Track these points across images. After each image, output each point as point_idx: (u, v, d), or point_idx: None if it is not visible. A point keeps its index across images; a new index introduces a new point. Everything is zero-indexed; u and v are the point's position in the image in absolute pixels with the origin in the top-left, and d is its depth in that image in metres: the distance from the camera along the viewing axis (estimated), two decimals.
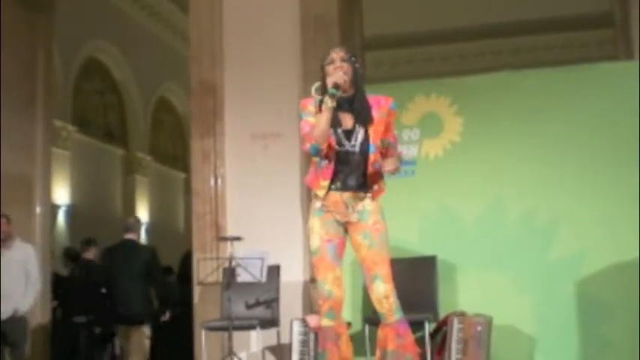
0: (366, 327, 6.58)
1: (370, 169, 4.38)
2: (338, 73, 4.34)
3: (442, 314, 6.59)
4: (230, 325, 6.63)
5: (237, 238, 6.93)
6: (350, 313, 6.98)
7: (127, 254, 8.56)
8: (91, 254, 9.47)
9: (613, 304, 6.58)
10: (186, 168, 15.50)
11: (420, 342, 6.39)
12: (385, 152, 4.36)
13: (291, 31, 7.85)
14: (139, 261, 8.52)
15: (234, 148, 7.83)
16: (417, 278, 6.77)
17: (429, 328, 6.36)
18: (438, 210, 6.95)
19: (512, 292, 6.73)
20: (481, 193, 6.88)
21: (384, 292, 4.36)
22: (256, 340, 6.85)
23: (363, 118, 4.38)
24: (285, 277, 7.23)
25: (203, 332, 6.91)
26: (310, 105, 4.46)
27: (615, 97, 6.85)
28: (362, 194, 4.41)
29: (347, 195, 4.38)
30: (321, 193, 4.38)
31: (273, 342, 7.09)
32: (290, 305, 7.26)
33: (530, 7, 10.34)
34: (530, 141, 6.91)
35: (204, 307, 7.52)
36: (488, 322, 6.39)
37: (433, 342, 6.38)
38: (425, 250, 6.89)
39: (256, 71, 7.84)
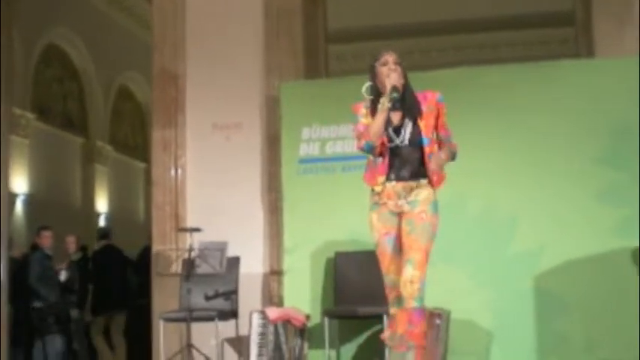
0: (325, 320, 6.59)
1: (427, 160, 4.56)
2: (394, 75, 4.53)
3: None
4: (188, 316, 6.61)
5: (197, 229, 6.91)
6: (309, 305, 6.99)
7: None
8: (46, 241, 9.33)
9: (569, 300, 6.66)
10: (146, 158, 15.40)
11: (378, 335, 6.43)
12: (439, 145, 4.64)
13: (255, 23, 7.82)
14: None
15: (195, 138, 7.80)
16: (377, 271, 6.73)
17: (388, 321, 6.37)
18: None
19: (470, 286, 6.77)
20: (442, 187, 6.89)
21: (410, 276, 4.46)
22: (215, 331, 6.82)
23: (414, 113, 4.57)
24: (244, 268, 7.22)
25: (161, 323, 6.87)
26: (362, 108, 4.70)
27: (576, 95, 6.92)
28: (414, 184, 4.57)
29: (399, 186, 4.56)
30: (378, 188, 4.60)
31: (232, 334, 7.08)
32: (249, 297, 7.25)
33: (494, 4, 10.40)
34: (490, 137, 6.95)
35: (163, 298, 7.48)
36: (446, 316, 6.42)
37: None
38: None
39: (219, 61, 7.80)
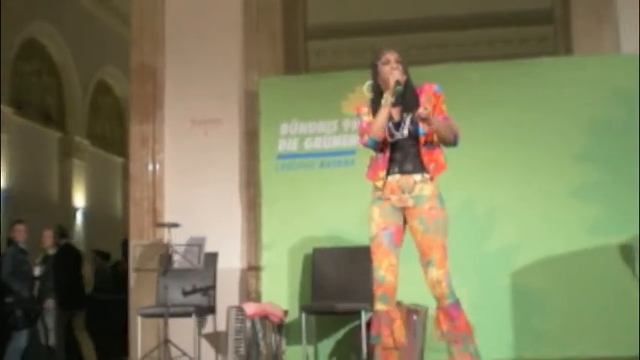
0: (303, 315, 6.58)
1: (424, 150, 4.58)
2: (396, 72, 4.54)
3: None
4: (166, 311, 6.59)
5: (175, 225, 6.89)
6: (287, 301, 6.99)
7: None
8: (20, 235, 9.25)
9: (546, 296, 6.70)
10: (124, 153, 15.32)
11: (357, 331, 6.45)
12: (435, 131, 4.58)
13: (234, 18, 7.80)
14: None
15: (173, 133, 7.77)
16: (355, 267, 6.79)
17: (365, 317, 6.38)
18: None
19: None
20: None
21: (436, 277, 4.50)
22: (192, 327, 6.81)
23: (412, 107, 4.57)
24: (222, 264, 7.20)
25: (139, 318, 6.84)
26: (364, 108, 4.72)
27: (555, 92, 6.96)
28: (418, 177, 4.56)
29: (403, 180, 4.55)
30: (380, 183, 4.58)
31: (210, 329, 7.07)
32: (227, 293, 7.24)
33: (474, 2, 10.43)
34: (470, 133, 6.92)
35: (141, 293, 7.46)
36: (424, 312, 6.44)
37: (369, 331, 6.39)
38: (363, 240, 6.85)
39: (198, 57, 7.77)
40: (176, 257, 6.70)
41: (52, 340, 8.75)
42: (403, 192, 4.55)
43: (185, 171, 7.67)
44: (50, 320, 8.70)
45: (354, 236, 6.92)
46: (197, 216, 7.37)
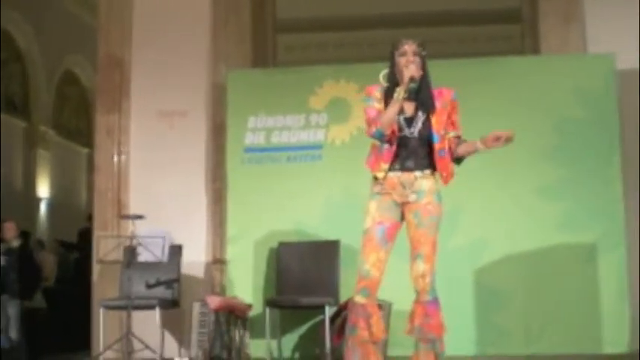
0: (267, 309, 6.58)
1: (437, 156, 4.53)
2: (412, 66, 4.47)
3: (343, 298, 6.62)
4: (129, 304, 6.55)
5: (140, 217, 6.84)
6: (251, 295, 6.98)
7: None
8: None
9: (510, 293, 6.75)
10: (90, 143, 15.17)
11: (320, 326, 6.45)
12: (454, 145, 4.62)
13: (203, 9, 7.77)
14: None
15: (139, 124, 7.72)
16: (319, 262, 6.82)
17: (329, 311, 6.39)
18: (343, 195, 6.98)
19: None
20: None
21: (422, 271, 4.48)
22: (156, 320, 6.78)
23: (427, 106, 4.53)
24: (187, 257, 7.17)
25: (101, 310, 6.80)
26: (376, 91, 4.59)
27: (521, 91, 7.01)
28: (419, 174, 4.51)
29: (404, 176, 4.50)
30: (381, 175, 4.51)
31: (173, 322, 7.03)
32: (191, 286, 7.22)
33: None
34: None
35: (104, 285, 7.41)
36: (387, 307, 6.46)
37: (333, 326, 6.42)
38: (328, 235, 6.92)
39: (165, 48, 7.72)
40: (140, 249, 6.65)
41: (12, 333, 8.64)
42: (404, 187, 4.50)
43: (151, 163, 7.62)
44: (12, 312, 8.59)
45: (320, 231, 6.94)
46: (162, 208, 7.33)
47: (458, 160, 4.71)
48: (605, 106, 6.87)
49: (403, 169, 4.51)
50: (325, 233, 6.94)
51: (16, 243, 9.26)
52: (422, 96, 4.55)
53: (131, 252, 6.70)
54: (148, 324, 6.93)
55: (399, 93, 4.40)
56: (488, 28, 10.93)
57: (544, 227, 6.76)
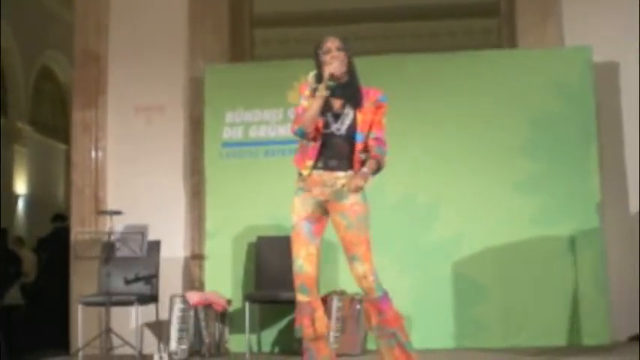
0: (246, 304, 6.58)
1: (357, 157, 4.46)
2: (334, 63, 4.41)
3: (322, 293, 6.62)
4: (107, 300, 6.53)
5: (117, 212, 6.82)
6: (230, 290, 6.97)
7: None
8: None
9: (487, 287, 6.78)
10: (67, 140, 15.10)
11: None
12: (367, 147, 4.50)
13: (180, 4, 7.74)
14: None
15: (116, 120, 7.68)
16: None
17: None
18: None
19: (391, 272, 6.79)
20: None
21: (362, 272, 4.42)
22: (135, 316, 6.75)
23: (354, 102, 4.47)
24: (165, 252, 7.15)
25: (80, 307, 6.77)
26: (307, 90, 4.54)
27: (498, 86, 7.03)
28: (341, 174, 4.44)
29: (326, 175, 4.44)
30: (305, 172, 4.46)
31: (152, 318, 7.01)
32: (170, 281, 7.19)
33: None
34: (412, 125, 7.01)
35: (82, 281, 7.37)
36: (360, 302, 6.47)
37: None
38: None
39: (142, 43, 7.69)
40: (118, 245, 6.63)
41: None
42: (325, 185, 4.45)
43: (128, 158, 7.60)
44: None
45: None
46: (140, 204, 7.31)
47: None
48: (581, 99, 6.90)
49: (326, 167, 4.46)
50: None
51: None
52: (348, 92, 4.49)
53: (109, 248, 6.68)
54: (126, 320, 6.91)
55: (320, 91, 4.37)
56: (465, 22, 10.97)
57: (521, 221, 6.78)
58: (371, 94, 4.56)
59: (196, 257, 7.39)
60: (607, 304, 6.68)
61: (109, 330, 6.60)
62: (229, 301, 6.82)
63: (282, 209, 6.96)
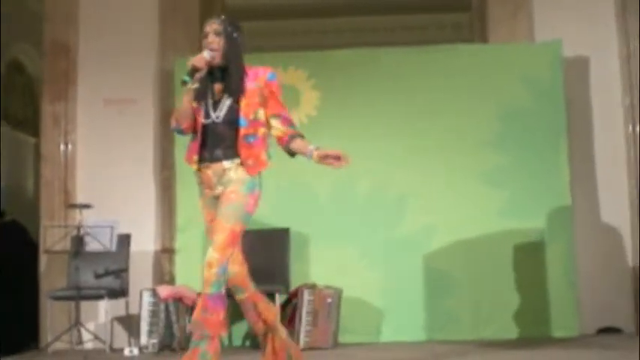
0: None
1: (242, 142, 4.13)
2: (201, 53, 4.12)
3: (293, 286, 6.64)
4: (77, 294, 6.49)
5: (87, 206, 6.77)
6: (201, 284, 6.92)
7: None
8: None
9: (457, 279, 6.82)
10: (37, 132, 14.96)
11: None
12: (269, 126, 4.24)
13: None
14: None
15: (86, 113, 7.62)
16: (269, 250, 6.80)
17: (279, 299, 6.39)
18: (292, 183, 6.97)
19: (361, 265, 6.86)
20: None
21: (209, 259, 4.05)
22: (105, 310, 6.71)
23: (232, 89, 4.15)
24: (135, 246, 7.11)
25: (49, 302, 6.72)
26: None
27: (468, 79, 7.06)
28: (227, 164, 4.15)
29: (214, 167, 4.16)
30: (194, 167, 4.22)
31: (122, 312, 6.98)
32: (140, 275, 7.16)
33: None
34: (383, 118, 7.03)
35: (51, 275, 7.32)
36: (338, 294, 6.49)
37: (284, 313, 6.42)
38: (278, 223, 6.91)
39: (113, 34, 7.62)
40: (88, 239, 6.58)
41: None
42: (216, 184, 4.17)
43: (98, 151, 7.54)
44: None
45: (269, 219, 6.92)
46: (110, 197, 7.26)
47: (291, 153, 4.33)
48: (552, 93, 6.95)
49: (212, 159, 4.16)
50: (275, 221, 6.92)
51: None
52: (228, 79, 4.17)
53: (79, 242, 6.62)
54: (96, 314, 6.86)
55: (187, 83, 4.08)
56: (438, 17, 10.99)
57: (491, 214, 6.82)
58: (260, 74, 4.24)
59: (167, 251, 7.35)
60: (576, 296, 6.74)
61: (79, 324, 6.56)
62: (200, 295, 6.79)
63: None
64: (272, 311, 4.43)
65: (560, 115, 6.95)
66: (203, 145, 4.17)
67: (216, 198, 4.20)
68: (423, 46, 7.53)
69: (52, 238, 6.79)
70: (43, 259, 7.42)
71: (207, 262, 4.07)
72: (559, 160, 6.90)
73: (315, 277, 6.77)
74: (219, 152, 4.15)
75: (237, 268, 4.29)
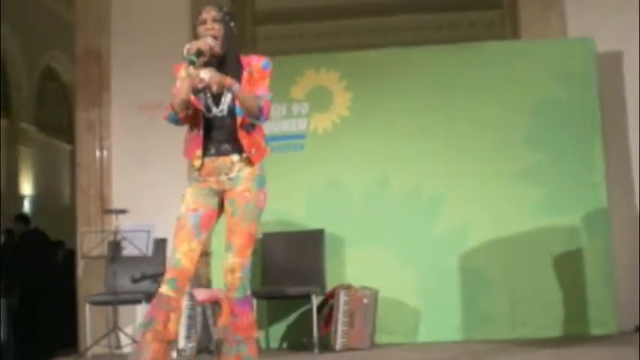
0: (254, 301, 6.53)
1: (242, 132, 4.05)
2: (204, 38, 4.03)
3: (329, 287, 6.64)
4: (115, 299, 6.54)
5: (123, 211, 6.82)
6: None
7: None
8: None
9: (493, 278, 6.77)
10: (72, 139, 15.11)
11: (308, 315, 6.46)
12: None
13: (181, 2, 7.72)
14: None
15: (120, 118, 7.68)
16: (304, 252, 6.82)
17: (316, 301, 6.40)
18: (326, 184, 6.99)
19: (397, 265, 6.84)
20: (368, 167, 6.96)
21: (231, 265, 4.00)
22: (142, 314, 6.75)
23: (234, 79, 4.02)
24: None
25: (87, 306, 6.78)
26: (182, 70, 4.13)
27: (501, 77, 7.02)
28: (236, 158, 4.06)
29: (220, 161, 4.06)
30: (197, 163, 4.09)
31: None
32: None
33: None
34: (417, 117, 7.01)
35: (89, 281, 7.38)
36: (374, 295, 6.47)
37: (320, 315, 6.43)
38: (313, 224, 6.92)
39: (144, 40, 7.67)
40: (124, 244, 6.64)
41: (1, 332, 8.62)
42: (220, 174, 4.06)
43: (133, 156, 7.59)
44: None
45: (304, 220, 6.95)
46: (145, 202, 7.30)
47: (252, 115, 4.04)
48: (585, 89, 6.89)
49: (219, 153, 4.05)
50: (309, 222, 6.94)
51: None
52: (227, 69, 4.05)
53: (115, 247, 6.69)
54: (134, 318, 6.91)
55: (188, 69, 3.97)
56: (468, 15, 10.96)
57: (526, 211, 6.77)
58: (254, 62, 4.15)
59: (203, 254, 7.36)
60: (614, 293, 6.67)
61: (116, 328, 6.61)
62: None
63: (286, 205, 7.01)
64: (175, 330, 4.02)
65: (594, 111, 6.89)
66: (206, 139, 4.06)
67: (218, 192, 4.10)
68: (454, 44, 7.49)
69: (89, 244, 6.86)
70: (81, 265, 7.49)
71: (229, 269, 4.01)
72: (594, 157, 6.83)
73: (350, 278, 6.76)
74: (227, 146, 4.06)
75: (190, 266, 4.01)
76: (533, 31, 7.50)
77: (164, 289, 3.95)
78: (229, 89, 3.98)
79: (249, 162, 4.09)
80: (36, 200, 15.10)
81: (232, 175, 4.07)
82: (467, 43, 7.48)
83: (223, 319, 4.09)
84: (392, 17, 10.73)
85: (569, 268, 6.73)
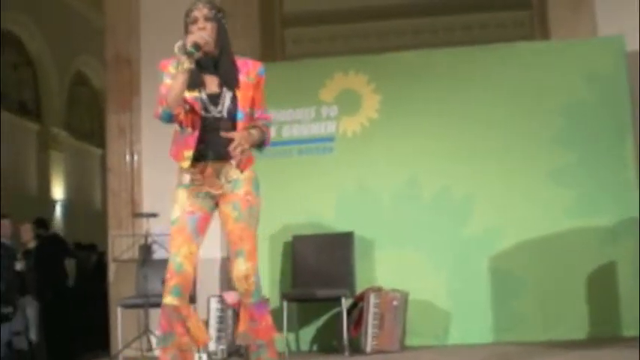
0: (284, 303, 6.58)
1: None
2: (199, 32, 3.93)
3: (359, 290, 6.64)
4: (146, 302, 6.57)
5: (153, 215, 6.86)
6: (268, 289, 6.98)
7: None
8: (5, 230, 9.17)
9: (525, 280, 6.74)
10: (103, 144, 15.23)
11: (338, 318, 6.46)
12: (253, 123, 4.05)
13: None
14: None
15: (150, 122, 7.68)
16: (334, 254, 6.82)
17: (346, 303, 6.40)
18: (356, 186, 6.99)
19: (427, 267, 6.82)
20: (397, 169, 6.95)
21: (244, 271, 3.93)
22: None
23: (230, 81, 3.97)
24: (202, 253, 7.08)
25: (119, 309, 6.82)
26: (171, 66, 3.99)
27: (531, 77, 6.99)
28: (234, 162, 3.95)
29: (219, 165, 3.95)
30: (185, 164, 3.96)
31: None
32: (207, 282, 7.20)
33: None
34: (446, 119, 7.00)
35: (120, 284, 7.43)
36: (404, 297, 6.46)
37: (350, 317, 6.43)
38: (342, 227, 6.92)
39: (173, 43, 7.67)
40: (155, 247, 6.68)
41: (33, 335, 8.68)
42: (218, 177, 3.95)
43: (163, 160, 7.53)
44: (32, 315, 8.62)
45: (334, 223, 6.95)
46: None
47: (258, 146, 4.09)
48: (615, 88, 6.84)
49: (217, 156, 3.93)
50: (339, 225, 6.94)
51: (32, 245, 9.31)
52: (222, 68, 3.98)
53: (146, 250, 6.73)
54: None
55: (182, 63, 3.82)
56: (497, 15, 10.91)
57: (557, 213, 6.73)
58: (250, 67, 4.07)
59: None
60: None
61: (148, 331, 6.64)
62: (267, 301, 6.82)
63: (316, 208, 7.03)
64: (204, 332, 4.05)
65: (625, 111, 6.83)
66: (203, 141, 3.93)
67: (214, 196, 3.99)
68: (483, 45, 7.46)
69: (120, 248, 6.91)
70: (112, 268, 7.54)
71: (242, 275, 3.94)
72: (625, 157, 6.78)
73: (380, 280, 6.76)
74: (223, 150, 3.89)
75: (191, 270, 3.96)
76: (562, 31, 7.46)
77: (168, 299, 3.86)
78: (252, 147, 3.95)
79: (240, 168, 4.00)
80: (67, 205, 15.23)
81: (232, 178, 3.98)
82: (496, 44, 7.44)
83: (241, 326, 4.05)
84: (421, 19, 10.69)
85: (600, 269, 6.67)
